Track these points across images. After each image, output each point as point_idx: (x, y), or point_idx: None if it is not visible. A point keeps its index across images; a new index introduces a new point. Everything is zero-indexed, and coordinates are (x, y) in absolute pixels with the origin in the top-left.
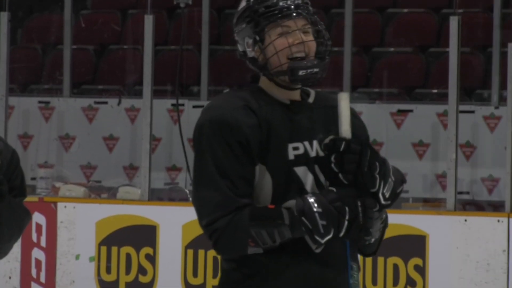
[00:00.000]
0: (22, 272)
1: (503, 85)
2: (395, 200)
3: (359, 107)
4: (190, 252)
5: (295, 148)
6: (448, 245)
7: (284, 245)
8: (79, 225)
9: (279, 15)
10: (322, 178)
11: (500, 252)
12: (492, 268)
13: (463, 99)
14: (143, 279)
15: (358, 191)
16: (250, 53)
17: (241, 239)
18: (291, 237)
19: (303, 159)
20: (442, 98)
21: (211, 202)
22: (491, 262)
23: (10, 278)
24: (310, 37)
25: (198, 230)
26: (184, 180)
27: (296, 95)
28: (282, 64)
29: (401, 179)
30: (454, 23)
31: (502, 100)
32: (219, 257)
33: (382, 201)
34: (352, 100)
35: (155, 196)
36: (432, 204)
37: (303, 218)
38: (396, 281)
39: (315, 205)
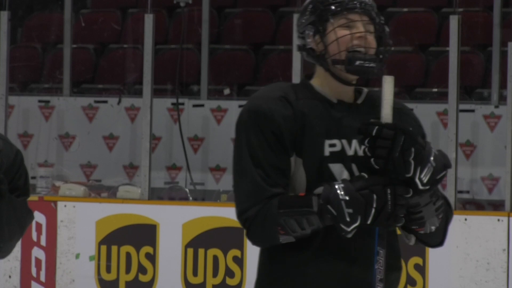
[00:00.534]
0: (22, 271)
1: (503, 84)
2: (436, 185)
3: None
4: (190, 251)
5: (332, 145)
6: (448, 244)
7: (308, 238)
8: (79, 224)
9: (345, 8)
10: None
11: (500, 251)
12: (492, 267)
13: (463, 98)
14: (143, 278)
15: (390, 178)
16: (310, 43)
17: (271, 228)
18: (320, 225)
19: (339, 157)
20: (442, 97)
21: (243, 192)
22: (491, 261)
23: (10, 277)
24: (372, 37)
25: (198, 229)
26: (184, 179)
27: (346, 95)
28: (341, 52)
29: (444, 163)
30: (454, 22)
31: (502, 99)
32: (218, 256)
33: (420, 186)
34: None
35: (155, 195)
36: None
37: (329, 206)
38: None
39: (342, 192)
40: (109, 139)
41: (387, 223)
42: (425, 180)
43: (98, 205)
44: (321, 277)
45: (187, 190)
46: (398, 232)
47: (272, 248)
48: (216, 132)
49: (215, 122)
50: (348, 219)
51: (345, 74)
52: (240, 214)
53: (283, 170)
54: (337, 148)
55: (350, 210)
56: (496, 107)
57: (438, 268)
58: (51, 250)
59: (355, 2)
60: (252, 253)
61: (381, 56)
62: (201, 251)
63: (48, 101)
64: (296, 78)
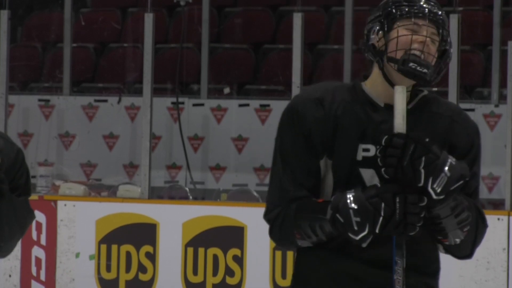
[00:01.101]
0: (22, 270)
1: (503, 83)
2: (451, 196)
3: None
4: (190, 250)
5: (366, 150)
6: None
7: (325, 242)
8: (79, 223)
9: (415, 12)
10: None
11: (500, 250)
12: (492, 266)
13: (463, 97)
14: (143, 277)
15: (403, 187)
16: (373, 39)
17: (288, 231)
18: (333, 232)
19: (372, 162)
20: (442, 96)
21: (271, 192)
22: (491, 260)
23: (10, 276)
24: (433, 47)
25: (198, 228)
26: (184, 178)
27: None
28: (398, 50)
29: (461, 173)
30: (454, 21)
31: (502, 98)
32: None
33: (434, 196)
34: None
35: (155, 194)
36: None
37: (337, 215)
38: None
39: (351, 201)
40: (109, 138)
41: (396, 232)
42: (438, 190)
43: (98, 204)
44: (330, 277)
45: (187, 189)
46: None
47: (299, 250)
48: (216, 131)
49: (215, 121)
50: (355, 227)
51: (395, 75)
52: (264, 214)
53: (311, 171)
54: (371, 153)
55: (358, 219)
56: (496, 106)
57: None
58: (51, 249)
59: (426, 10)
60: (252, 252)
61: (438, 67)
62: (201, 250)
63: (48, 100)
64: (296, 77)
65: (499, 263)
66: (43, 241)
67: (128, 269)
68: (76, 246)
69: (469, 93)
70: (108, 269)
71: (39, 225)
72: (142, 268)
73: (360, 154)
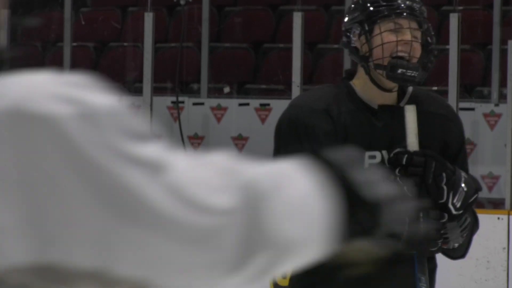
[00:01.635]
0: None
1: (503, 83)
2: (468, 209)
3: None
4: None
5: (372, 157)
6: None
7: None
8: None
9: (395, 12)
10: None
11: (500, 249)
12: (492, 266)
13: (463, 96)
14: None
15: (424, 203)
16: (355, 42)
17: None
18: None
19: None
20: (442, 95)
21: None
22: (491, 259)
23: None
24: (418, 44)
25: None
26: None
27: (389, 97)
28: (384, 58)
29: (475, 187)
30: (454, 20)
31: (502, 97)
32: None
33: (453, 212)
34: None
35: None
36: None
37: None
38: None
39: None
40: None
41: (420, 248)
42: (458, 205)
43: None
44: None
45: None
46: None
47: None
48: (216, 131)
49: (215, 121)
50: None
51: (384, 80)
52: None
53: None
54: (377, 160)
55: None
56: (496, 105)
57: (438, 267)
58: None
59: (405, 7)
60: None
61: (425, 65)
62: None
63: None
64: (296, 77)
65: (499, 263)
66: None
67: None
68: None
69: (469, 93)
70: None
71: None
72: None
73: (367, 162)
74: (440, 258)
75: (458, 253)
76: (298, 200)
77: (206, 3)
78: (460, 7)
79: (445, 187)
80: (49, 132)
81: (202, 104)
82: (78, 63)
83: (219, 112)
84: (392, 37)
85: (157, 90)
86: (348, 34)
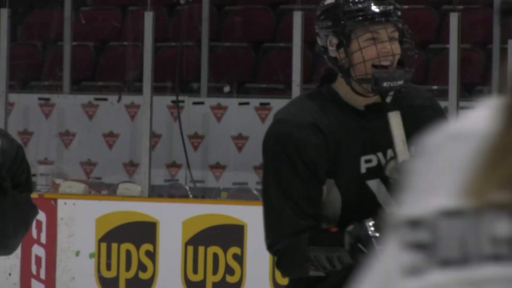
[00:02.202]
0: (22, 268)
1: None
2: None
3: None
4: (190, 248)
5: (368, 161)
6: None
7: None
8: (79, 221)
9: (370, 20)
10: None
11: None
12: None
13: (463, 95)
14: (143, 275)
15: None
16: (333, 52)
17: (300, 263)
18: (351, 262)
19: (376, 171)
20: (442, 94)
21: (273, 223)
22: None
23: (10, 274)
24: (397, 44)
25: (198, 227)
26: (184, 177)
27: (374, 96)
28: (368, 74)
29: None
30: (454, 19)
31: None
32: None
33: None
34: None
35: (155, 192)
36: None
37: (359, 245)
38: None
39: (372, 229)
40: (109, 137)
41: None
42: None
43: (98, 203)
44: None
45: (187, 187)
46: None
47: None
48: (216, 130)
49: (215, 120)
50: None
51: (368, 90)
52: (270, 246)
53: (314, 200)
54: (373, 163)
55: (382, 247)
56: None
57: None
58: (51, 247)
59: (377, 12)
60: (252, 250)
61: (406, 68)
62: (201, 249)
63: (48, 99)
64: (296, 76)
65: None
66: (43, 239)
67: (128, 268)
68: (76, 245)
69: (469, 92)
70: (108, 267)
71: (39, 223)
72: (142, 267)
73: (364, 167)
74: None
75: None
76: None
77: (206, 2)
78: (460, 6)
79: None
80: None
81: (202, 103)
82: (78, 62)
83: (219, 111)
84: (372, 50)
85: (157, 89)
86: (323, 40)
